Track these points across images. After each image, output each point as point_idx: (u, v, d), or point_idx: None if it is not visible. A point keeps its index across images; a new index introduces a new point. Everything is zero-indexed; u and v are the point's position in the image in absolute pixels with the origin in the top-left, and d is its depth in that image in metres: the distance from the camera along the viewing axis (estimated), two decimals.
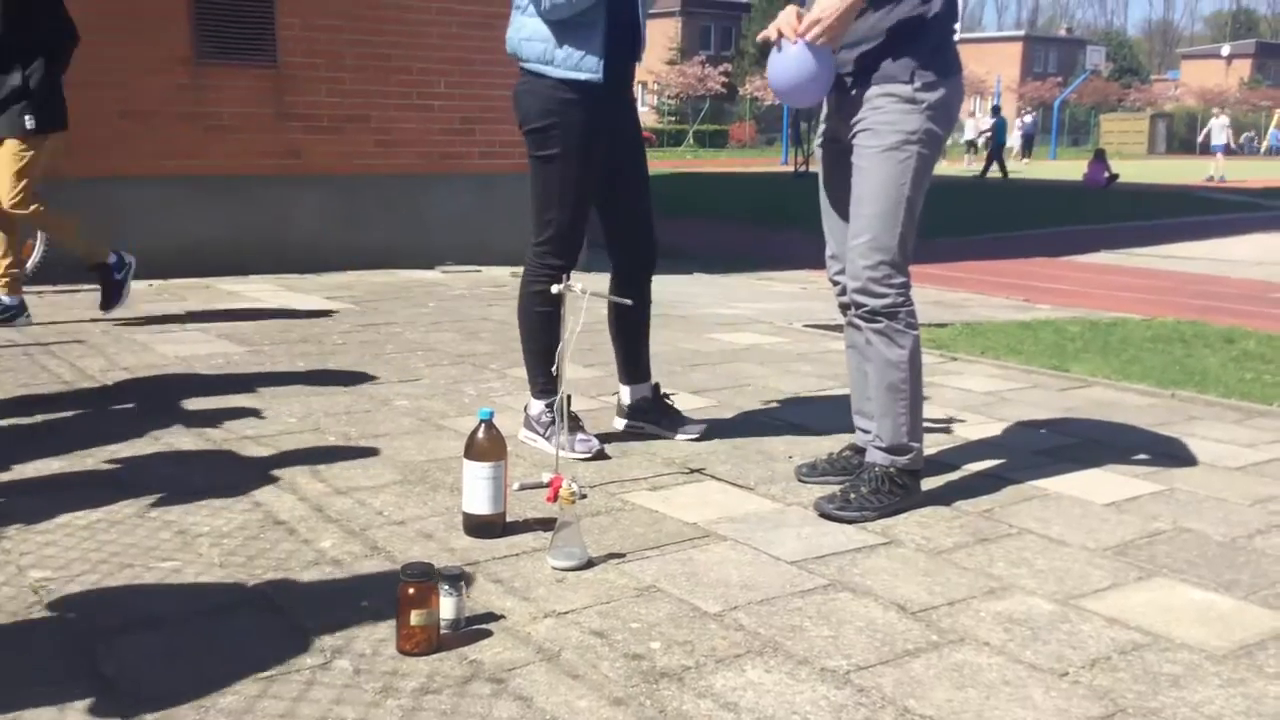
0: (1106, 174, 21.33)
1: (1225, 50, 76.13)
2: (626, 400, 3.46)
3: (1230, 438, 3.59)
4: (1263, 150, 46.33)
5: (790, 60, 2.63)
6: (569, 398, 2.96)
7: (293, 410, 3.62)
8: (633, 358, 3.44)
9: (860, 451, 2.98)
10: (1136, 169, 30.10)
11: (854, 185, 2.74)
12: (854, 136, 2.74)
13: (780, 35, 2.63)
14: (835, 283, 2.93)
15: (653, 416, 3.44)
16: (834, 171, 2.88)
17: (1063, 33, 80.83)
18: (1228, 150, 28.12)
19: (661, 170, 26.80)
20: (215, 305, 5.68)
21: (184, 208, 6.61)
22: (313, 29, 6.90)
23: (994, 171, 25.49)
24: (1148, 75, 78.32)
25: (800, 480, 2.99)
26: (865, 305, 2.74)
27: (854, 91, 2.72)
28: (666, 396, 3.51)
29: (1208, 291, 7.90)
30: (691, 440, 3.38)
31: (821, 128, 2.92)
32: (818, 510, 2.73)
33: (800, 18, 2.63)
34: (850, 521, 2.68)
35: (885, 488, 2.75)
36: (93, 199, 6.32)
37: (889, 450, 2.79)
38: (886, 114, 2.67)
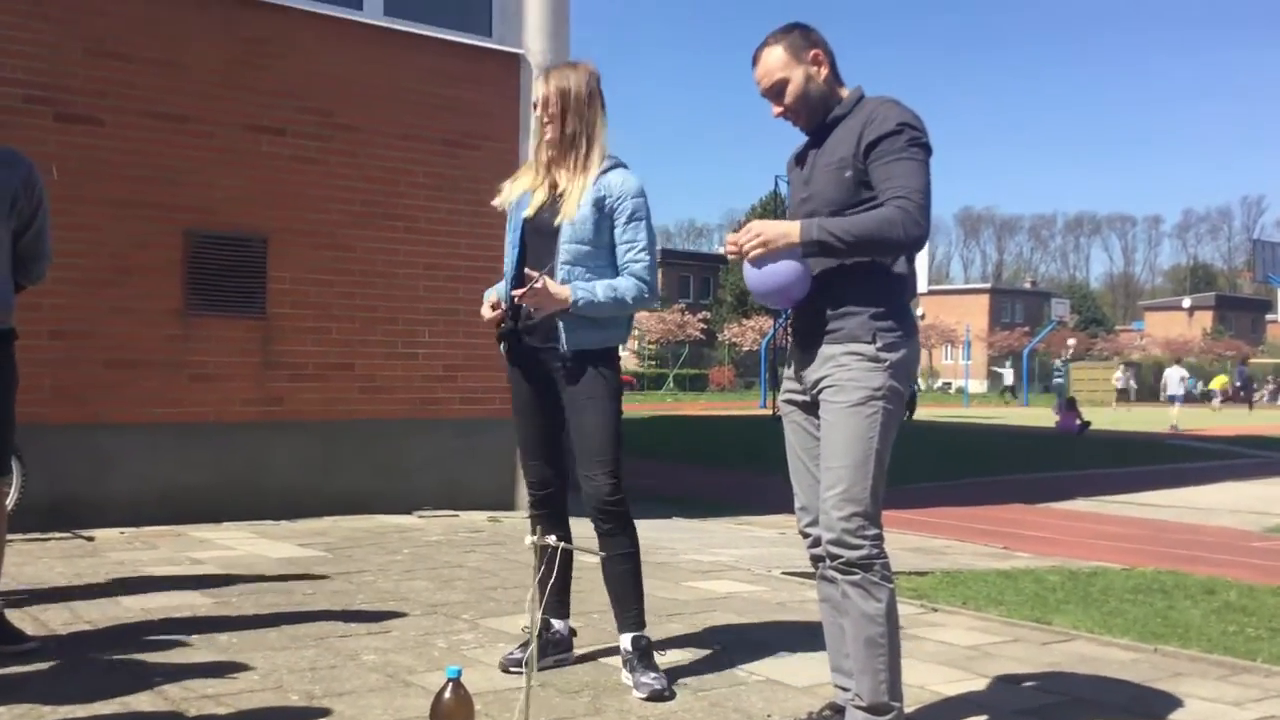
0: (1079, 421, 21.70)
1: (1186, 302, 79.17)
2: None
3: (1216, 695, 3.51)
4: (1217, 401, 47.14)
5: (755, 272, 2.79)
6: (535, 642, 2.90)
7: (256, 665, 3.52)
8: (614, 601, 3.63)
9: (840, 711, 2.91)
10: (1108, 416, 30.65)
11: (823, 440, 2.80)
12: (819, 393, 2.82)
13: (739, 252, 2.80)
14: (806, 535, 2.94)
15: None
16: (797, 431, 2.97)
17: (1028, 285, 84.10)
18: (1186, 399, 28.76)
19: (642, 413, 27.11)
20: (186, 554, 5.60)
21: (164, 455, 6.63)
22: (303, 282, 7.13)
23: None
24: (1112, 325, 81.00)
25: None
26: (841, 556, 2.74)
27: (815, 349, 2.83)
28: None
29: (1184, 540, 7.91)
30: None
31: (784, 385, 3.02)
32: None
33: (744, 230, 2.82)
34: None
35: None
36: (75, 445, 6.35)
37: (870, 710, 2.72)
38: (851, 371, 2.76)
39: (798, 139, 3.02)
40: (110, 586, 4.72)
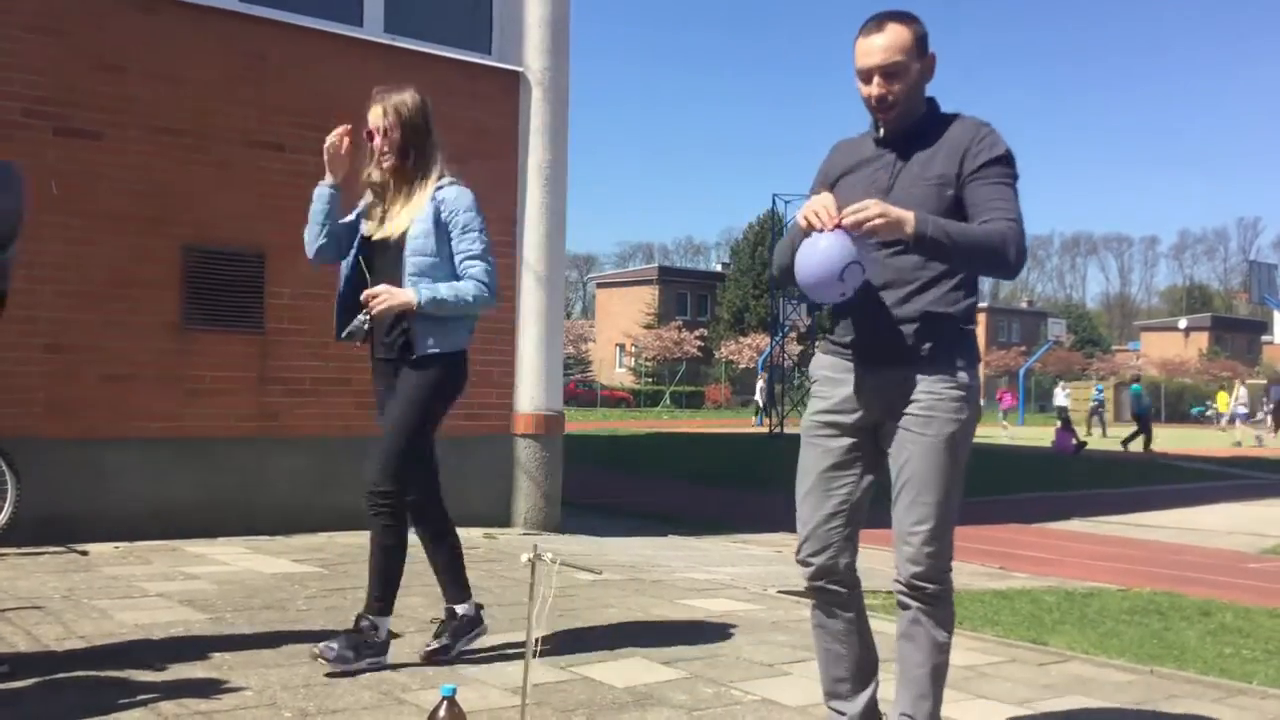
0: (1074, 441, 21.71)
1: (1182, 324, 79.36)
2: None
3: (1213, 716, 3.51)
4: (1224, 421, 47.34)
5: (821, 252, 2.57)
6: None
7: (250, 683, 3.51)
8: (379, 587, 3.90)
9: None
10: (1104, 436, 30.65)
11: (908, 471, 2.72)
12: (902, 419, 2.73)
13: (810, 225, 2.60)
14: (808, 564, 2.85)
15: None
16: (823, 455, 2.84)
17: (1024, 305, 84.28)
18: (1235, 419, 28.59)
19: (638, 430, 27.11)
20: (180, 569, 5.59)
21: (160, 469, 6.62)
22: (301, 298, 7.12)
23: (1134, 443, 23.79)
24: (1109, 345, 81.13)
25: None
26: (925, 589, 2.74)
27: (889, 369, 2.74)
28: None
29: (1180, 561, 7.91)
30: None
31: (816, 405, 2.87)
32: None
33: (837, 207, 2.59)
34: None
35: None
36: (70, 459, 6.34)
37: None
38: (944, 402, 2.70)
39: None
40: (104, 602, 4.70)
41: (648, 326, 62.95)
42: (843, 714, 2.89)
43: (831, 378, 2.86)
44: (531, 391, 7.88)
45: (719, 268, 77.98)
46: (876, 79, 2.73)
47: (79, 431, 6.39)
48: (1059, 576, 6.83)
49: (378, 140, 3.88)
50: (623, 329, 65.53)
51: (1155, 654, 4.44)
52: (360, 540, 6.81)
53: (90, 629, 4.17)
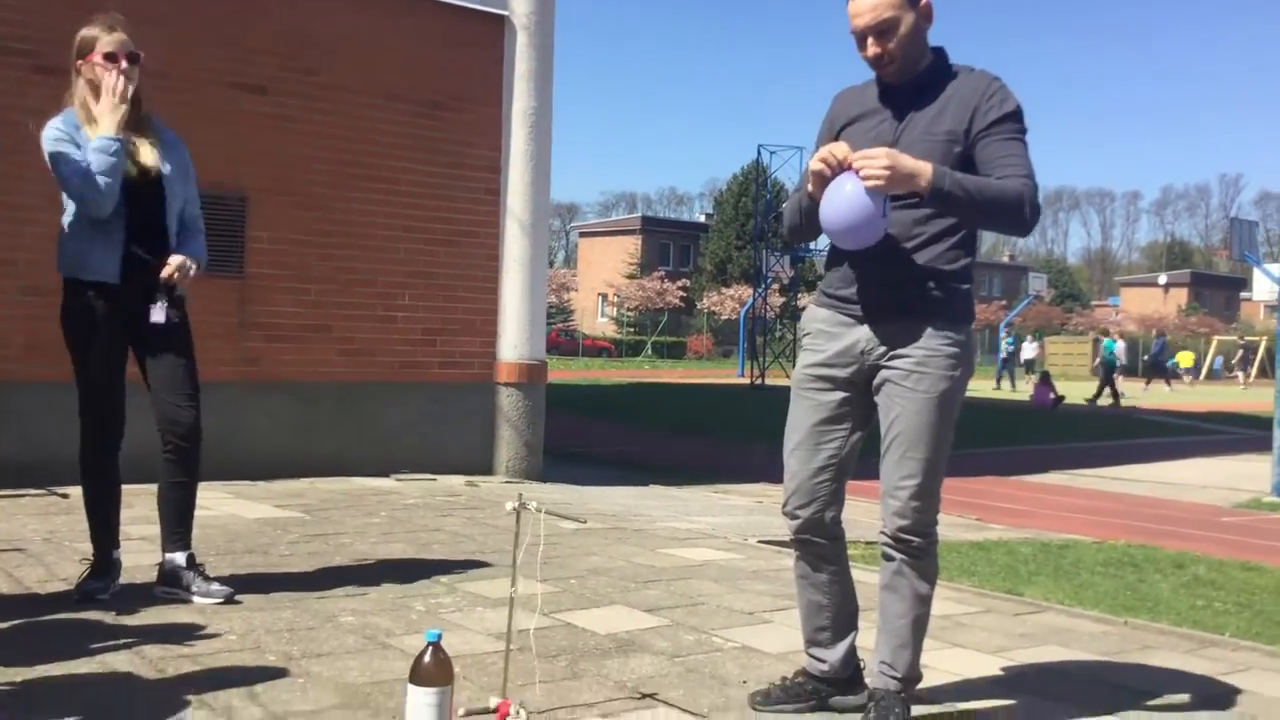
0: (1053, 395, 21.86)
1: (1162, 279, 79.66)
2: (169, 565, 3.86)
3: (1185, 667, 3.57)
4: (1203, 375, 47.95)
5: (848, 196, 2.54)
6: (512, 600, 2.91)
7: (233, 626, 3.52)
8: (176, 523, 3.93)
9: (814, 677, 2.94)
10: (1081, 390, 30.90)
11: (900, 424, 2.72)
12: (893, 368, 2.72)
13: (832, 171, 2.59)
14: (795, 516, 2.86)
15: (185, 581, 3.81)
16: (815, 408, 2.83)
17: (1006, 259, 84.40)
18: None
19: (620, 380, 27.14)
20: None
21: (139, 413, 6.56)
22: (282, 242, 7.07)
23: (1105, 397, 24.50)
24: (1089, 301, 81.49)
25: (754, 709, 2.92)
26: (911, 542, 2.76)
27: (891, 322, 2.73)
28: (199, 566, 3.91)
29: (1156, 514, 8.01)
30: (216, 603, 3.72)
31: (808, 358, 2.85)
32: None
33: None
34: None
35: (906, 715, 2.76)
36: (49, 403, 6.29)
37: (906, 681, 2.80)
38: (940, 357, 2.70)
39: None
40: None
41: (630, 276, 62.80)
42: (822, 661, 2.92)
43: (826, 331, 2.84)
44: (514, 340, 7.87)
45: (702, 218, 77.70)
46: (870, 39, 2.71)
47: (59, 374, 6.33)
48: (1035, 528, 6.92)
49: (128, 71, 3.78)
50: (605, 278, 65.35)
51: (1129, 605, 4.51)
52: (342, 487, 6.85)
53: (72, 572, 4.17)
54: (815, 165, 2.65)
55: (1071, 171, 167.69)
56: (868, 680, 2.88)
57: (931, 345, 2.71)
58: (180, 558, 3.89)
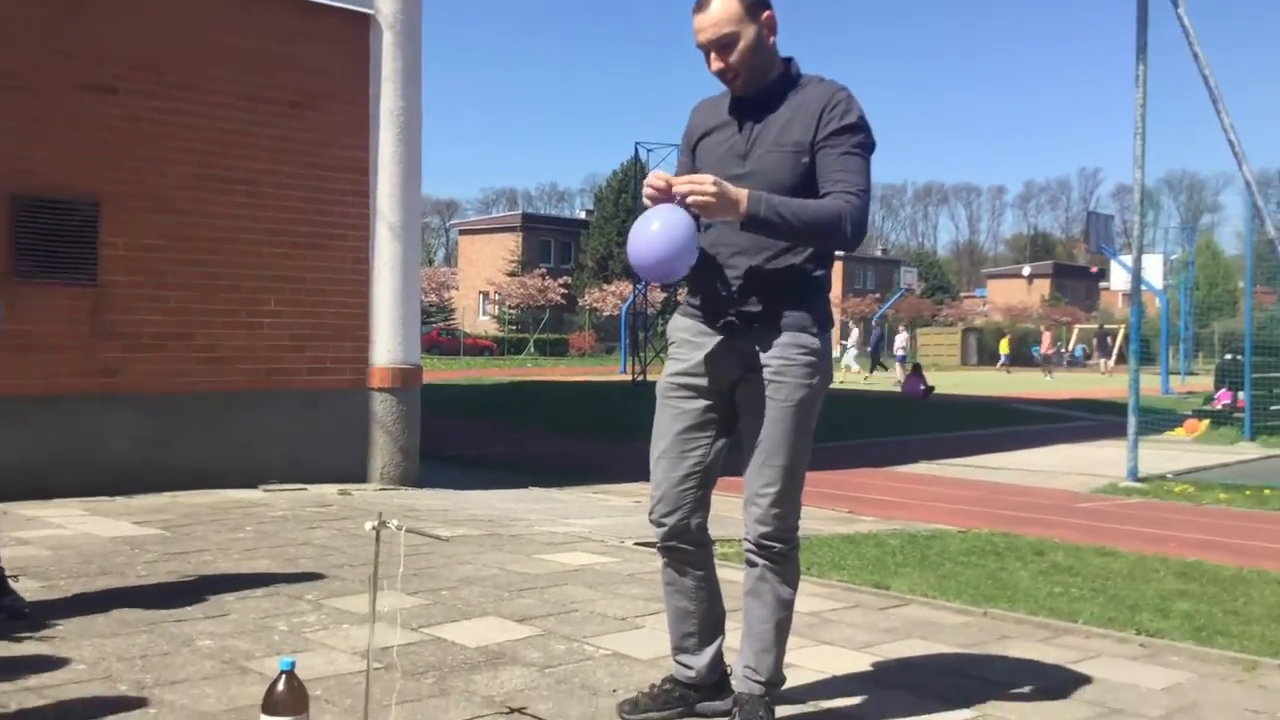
0: (923, 386, 22.49)
1: (1026, 270, 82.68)
2: None
3: (1040, 657, 3.70)
4: (1065, 363, 50.09)
5: (658, 232, 2.56)
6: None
7: (84, 655, 3.37)
8: None
9: (681, 684, 2.95)
10: (950, 380, 31.86)
11: (758, 429, 2.75)
12: (752, 377, 2.74)
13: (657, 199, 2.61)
14: (661, 524, 2.87)
15: None
16: (680, 416, 2.84)
17: (879, 253, 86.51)
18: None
19: (501, 379, 26.93)
20: (11, 534, 5.32)
21: None
22: (137, 248, 6.81)
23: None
24: (957, 292, 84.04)
25: (623, 718, 2.92)
26: (773, 548, 2.78)
27: (742, 336, 2.75)
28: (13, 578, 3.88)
29: (1018, 502, 8.28)
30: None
31: (672, 366, 2.87)
32: None
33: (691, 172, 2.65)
34: None
35: (769, 717, 2.79)
36: None
37: (770, 684, 2.83)
38: (799, 366, 2.73)
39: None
40: None
41: (511, 274, 62.40)
42: (689, 668, 2.94)
43: (689, 340, 2.87)
44: (388, 344, 7.73)
45: (583, 215, 77.72)
46: (713, 54, 2.73)
47: None
48: (904, 519, 7.08)
49: None
50: (486, 276, 64.82)
51: (990, 594, 4.65)
52: (206, 500, 6.63)
53: None
54: (646, 193, 2.67)
55: (939, 167, 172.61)
56: (733, 685, 2.90)
57: (788, 354, 2.74)
58: None
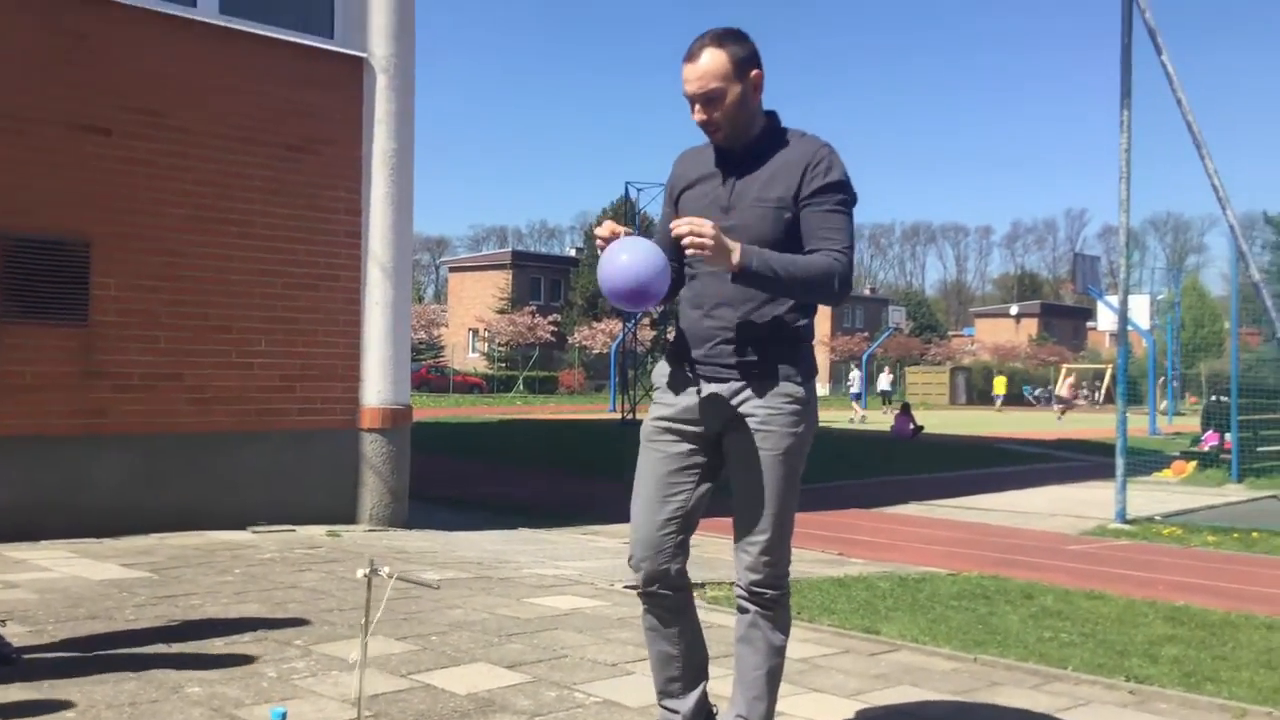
0: (912, 426, 22.53)
1: (1014, 310, 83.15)
2: None
3: (1029, 704, 3.70)
4: (1045, 402, 50.32)
5: (627, 262, 2.56)
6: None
7: (72, 699, 3.35)
8: None
9: None
10: (940, 419, 31.94)
11: (747, 482, 2.78)
12: (739, 426, 2.77)
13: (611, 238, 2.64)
14: (639, 569, 2.87)
15: None
16: (664, 459, 2.86)
17: (867, 292, 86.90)
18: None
19: (490, 417, 26.90)
20: None
21: None
22: (128, 289, 6.82)
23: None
24: (945, 331, 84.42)
25: None
26: (764, 595, 2.80)
27: (727, 381, 2.78)
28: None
29: (1007, 544, 8.30)
30: None
31: (657, 410, 2.89)
32: None
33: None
34: None
35: None
36: None
37: None
38: (783, 415, 2.76)
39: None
40: None
41: (501, 311, 62.48)
42: (675, 712, 2.93)
43: (673, 387, 2.89)
44: (378, 385, 7.74)
45: (573, 252, 77.94)
46: (697, 105, 2.77)
47: None
48: (895, 561, 7.09)
49: None
50: (476, 313, 64.85)
51: (980, 639, 4.65)
52: (194, 541, 6.61)
53: None
54: (598, 244, 2.70)
55: (927, 207, 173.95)
56: None
57: (774, 404, 2.76)
58: None
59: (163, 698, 3.43)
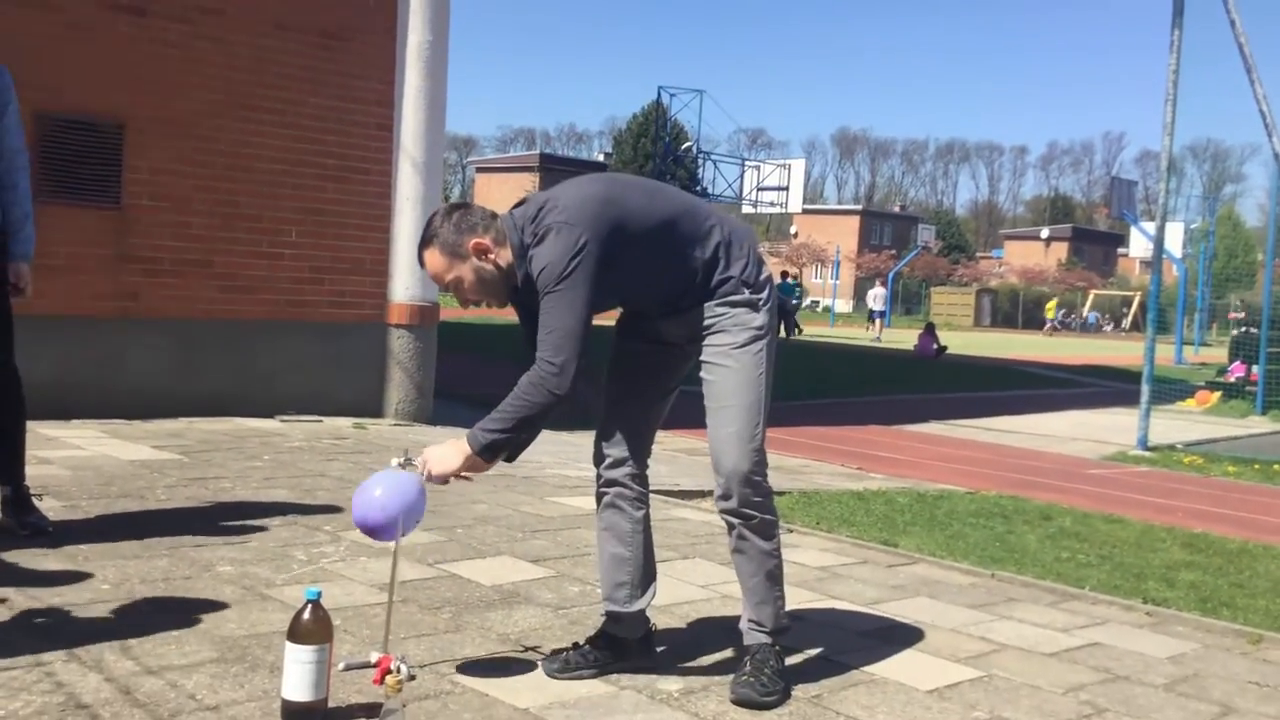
0: (935, 346, 22.46)
1: (1044, 233, 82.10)
2: None
3: (1046, 621, 3.74)
4: (1075, 326, 49.98)
5: (381, 496, 2.60)
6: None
7: (106, 575, 3.43)
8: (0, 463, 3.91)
9: (610, 638, 2.93)
10: (964, 340, 31.83)
11: (714, 383, 2.81)
12: (703, 340, 2.83)
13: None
14: (604, 458, 2.95)
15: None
16: (631, 360, 2.95)
17: (897, 209, 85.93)
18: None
19: (514, 319, 26.90)
20: (32, 452, 5.38)
21: None
22: (161, 173, 6.81)
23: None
24: (974, 252, 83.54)
25: (551, 676, 2.83)
26: (744, 507, 2.79)
27: (689, 310, 2.83)
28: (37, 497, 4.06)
29: (1027, 466, 8.31)
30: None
31: (626, 323, 2.96)
32: (740, 699, 2.72)
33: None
34: (773, 705, 2.72)
35: (780, 665, 2.83)
36: None
37: (775, 633, 2.88)
38: (734, 317, 2.80)
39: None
40: None
41: None
42: (618, 621, 2.93)
43: (659, 316, 2.93)
44: (406, 280, 7.74)
45: (601, 158, 77.13)
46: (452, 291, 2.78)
47: None
48: (913, 478, 7.12)
49: None
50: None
51: (998, 557, 4.69)
52: (223, 428, 6.69)
53: None
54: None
55: (963, 124, 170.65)
56: (744, 640, 2.92)
57: (724, 311, 2.81)
58: (5, 491, 3.93)
59: (195, 575, 3.51)
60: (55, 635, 2.86)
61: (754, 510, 2.81)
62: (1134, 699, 3.00)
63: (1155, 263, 10.34)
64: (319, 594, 2.41)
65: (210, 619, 3.08)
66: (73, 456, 5.40)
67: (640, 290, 2.82)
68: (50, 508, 4.24)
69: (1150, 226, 12.37)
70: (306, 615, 2.37)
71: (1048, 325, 43.96)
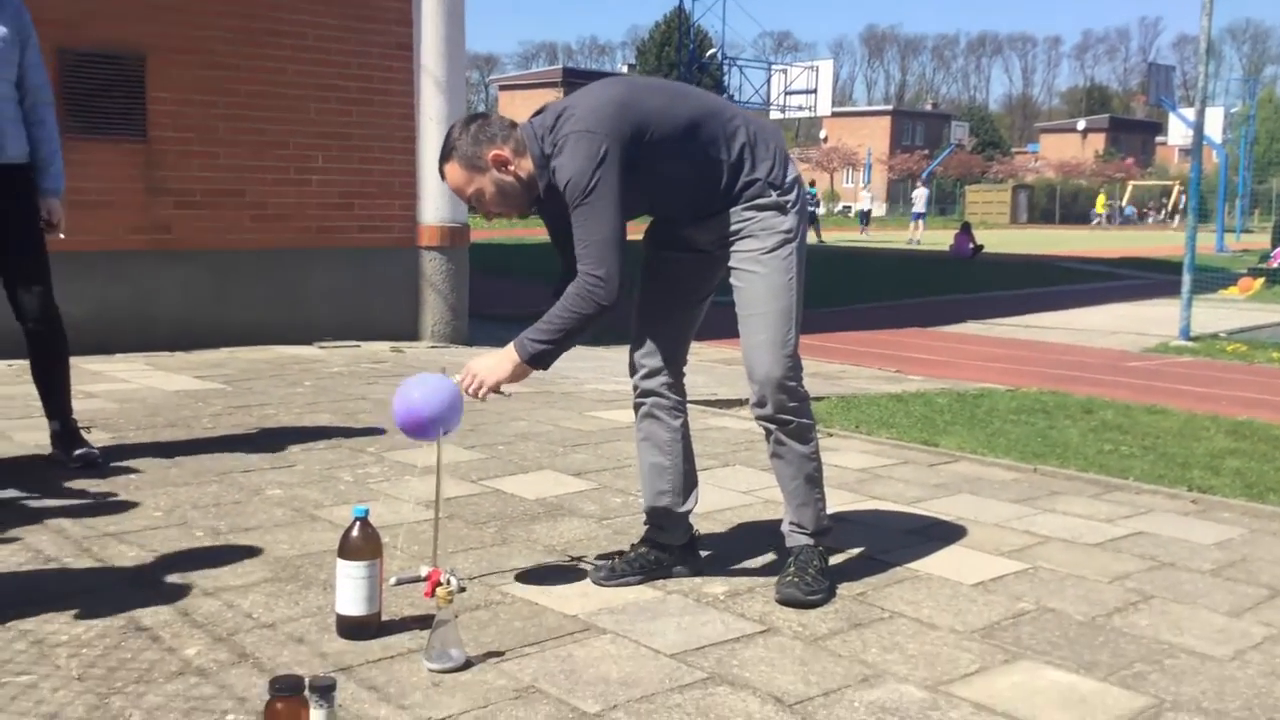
0: (972, 245, 22.19)
1: (1081, 125, 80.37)
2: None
3: (1090, 512, 3.74)
4: (1118, 221, 49.15)
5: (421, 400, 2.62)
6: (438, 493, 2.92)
7: (158, 503, 3.50)
8: (48, 398, 4.02)
9: (655, 546, 2.96)
10: (1000, 238, 31.41)
11: (743, 290, 2.78)
12: (731, 247, 2.79)
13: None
14: (640, 367, 2.95)
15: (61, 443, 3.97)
16: (664, 266, 2.91)
17: (929, 107, 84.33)
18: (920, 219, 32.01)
19: (544, 237, 26.85)
20: (78, 386, 5.47)
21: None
22: (185, 103, 6.79)
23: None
24: (1009, 148, 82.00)
25: (599, 584, 2.86)
26: (780, 412, 2.78)
27: (717, 215, 2.78)
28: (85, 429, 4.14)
29: (1066, 361, 8.25)
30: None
31: (656, 234, 2.92)
32: (785, 600, 2.75)
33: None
34: (818, 604, 2.76)
35: (824, 565, 2.86)
36: None
37: (817, 535, 2.89)
38: (761, 221, 2.75)
39: None
40: (1, 422, 4.61)
41: None
42: (662, 528, 2.96)
43: (687, 222, 2.89)
44: (435, 202, 7.72)
45: (624, 69, 76.06)
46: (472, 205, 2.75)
47: None
48: (952, 379, 7.09)
49: None
50: None
51: (1039, 452, 4.67)
52: (263, 356, 6.76)
53: None
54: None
55: (994, 16, 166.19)
56: (786, 544, 2.94)
57: (751, 215, 2.76)
58: (54, 425, 4.01)
59: (245, 499, 3.57)
60: (111, 562, 2.93)
61: (790, 415, 2.80)
62: (1180, 585, 3.00)
63: (1195, 150, 10.11)
64: (367, 511, 2.44)
65: (262, 541, 3.14)
66: (117, 389, 5.48)
67: (667, 195, 2.78)
68: (98, 439, 4.32)
69: (1189, 113, 12.06)
70: (355, 532, 2.41)
71: (1096, 220, 43.16)
